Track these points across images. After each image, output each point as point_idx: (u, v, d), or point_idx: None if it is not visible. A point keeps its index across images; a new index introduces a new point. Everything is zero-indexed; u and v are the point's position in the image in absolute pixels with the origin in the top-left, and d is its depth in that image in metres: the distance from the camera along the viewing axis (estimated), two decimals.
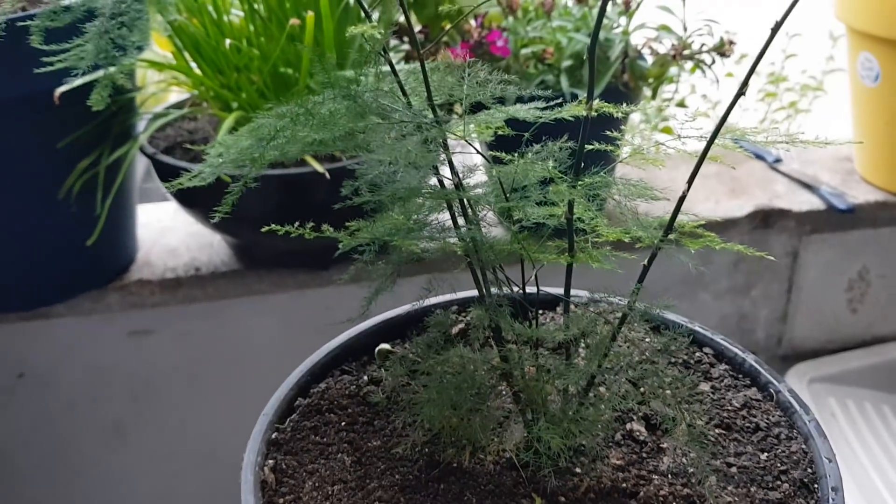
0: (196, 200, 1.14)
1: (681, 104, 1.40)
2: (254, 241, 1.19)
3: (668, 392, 0.55)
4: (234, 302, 1.25)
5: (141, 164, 1.25)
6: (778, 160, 1.46)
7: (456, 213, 0.50)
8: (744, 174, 1.43)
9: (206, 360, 1.28)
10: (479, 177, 0.54)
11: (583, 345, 0.56)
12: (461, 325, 0.63)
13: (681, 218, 0.53)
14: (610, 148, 0.51)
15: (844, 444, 1.35)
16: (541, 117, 0.51)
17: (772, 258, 0.56)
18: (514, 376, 0.51)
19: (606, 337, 0.49)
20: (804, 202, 1.35)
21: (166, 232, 1.32)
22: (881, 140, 1.35)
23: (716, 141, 0.50)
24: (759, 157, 1.47)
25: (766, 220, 1.34)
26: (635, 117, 1.55)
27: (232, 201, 0.49)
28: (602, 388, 0.54)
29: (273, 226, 0.56)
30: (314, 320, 1.24)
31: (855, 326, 1.49)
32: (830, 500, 0.46)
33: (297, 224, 1.17)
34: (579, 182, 0.46)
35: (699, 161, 0.49)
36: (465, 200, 0.50)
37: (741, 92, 0.47)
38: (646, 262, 0.48)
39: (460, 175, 0.50)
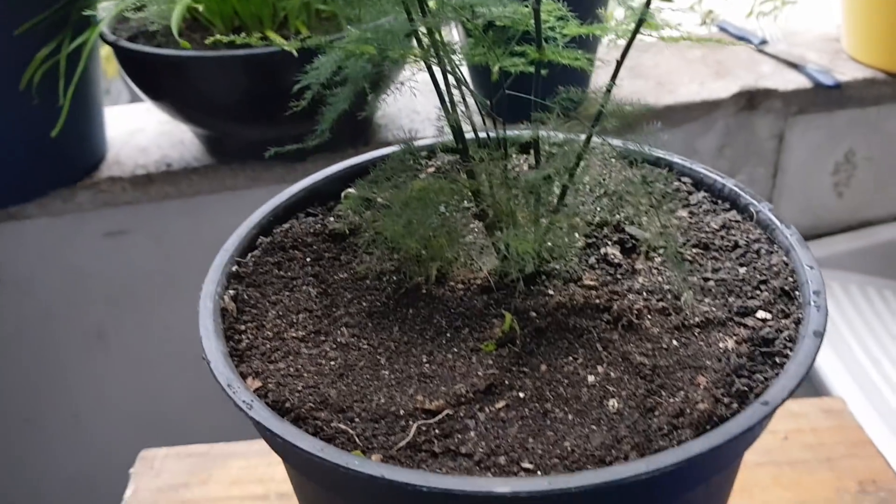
0: (163, 91, 1.10)
1: None
2: (224, 131, 1.16)
3: (644, 213, 0.53)
4: (208, 199, 1.22)
5: None
6: (764, 42, 1.42)
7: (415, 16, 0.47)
8: (729, 57, 1.40)
9: (183, 259, 1.25)
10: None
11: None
12: (431, 169, 0.61)
13: None
14: None
15: (831, 326, 1.35)
16: None
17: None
18: (482, 193, 0.48)
19: (577, 146, 0.46)
20: (790, 81, 1.32)
21: (136, 132, 1.29)
22: (869, 15, 1.31)
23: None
24: (745, 39, 1.43)
25: (751, 100, 1.31)
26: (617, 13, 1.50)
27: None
28: (576, 217, 0.52)
29: (222, 38, 0.52)
30: None
31: (841, 210, 1.47)
32: (812, 303, 0.45)
33: (268, 114, 1.14)
34: None
35: None
36: None
37: None
38: (619, 57, 0.45)
39: None
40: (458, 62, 0.46)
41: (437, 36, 0.44)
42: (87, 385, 1.32)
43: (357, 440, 0.41)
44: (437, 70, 0.47)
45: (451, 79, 0.46)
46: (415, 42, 0.45)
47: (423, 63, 0.47)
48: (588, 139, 0.45)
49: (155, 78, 1.08)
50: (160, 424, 1.34)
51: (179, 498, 0.72)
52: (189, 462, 0.76)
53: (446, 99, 0.47)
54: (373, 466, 0.37)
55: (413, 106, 1.29)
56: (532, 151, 0.60)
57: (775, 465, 0.71)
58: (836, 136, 1.40)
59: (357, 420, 0.42)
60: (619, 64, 0.44)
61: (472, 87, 0.50)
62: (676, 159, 0.58)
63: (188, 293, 1.24)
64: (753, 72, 1.35)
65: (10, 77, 1.02)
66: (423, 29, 0.46)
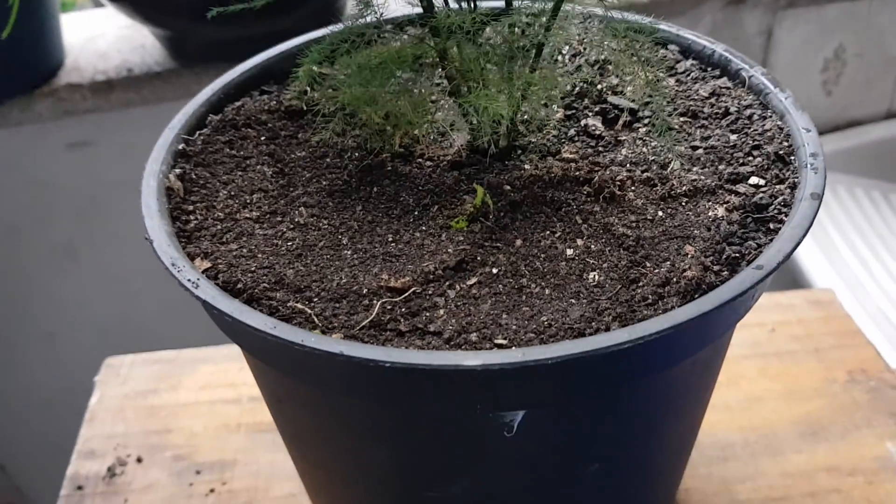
0: None
1: None
2: (186, 30, 1.09)
3: (629, 81, 0.49)
4: (173, 106, 1.15)
5: None
6: None
7: None
8: None
9: None
10: None
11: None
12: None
13: None
14: None
15: (818, 226, 1.32)
16: None
17: None
18: (449, 55, 0.44)
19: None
20: None
21: (95, 38, 1.22)
22: None
23: None
24: None
25: None
26: None
27: None
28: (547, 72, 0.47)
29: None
30: None
31: (829, 109, 1.43)
32: (809, 166, 0.41)
33: (231, 11, 1.07)
34: None
35: None
36: None
37: None
38: None
39: None
40: None
41: None
42: (58, 300, 1.29)
43: (316, 320, 0.37)
44: None
45: None
46: None
47: None
48: None
49: None
50: (133, 337, 1.31)
51: (148, 404, 0.70)
52: (156, 368, 0.73)
53: None
54: (330, 343, 0.33)
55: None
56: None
57: (762, 357, 0.69)
58: (825, 32, 1.35)
59: (316, 300, 0.39)
60: None
61: None
62: (662, 26, 0.54)
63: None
64: None
65: None
66: None
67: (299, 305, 0.38)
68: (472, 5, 0.44)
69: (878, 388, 0.65)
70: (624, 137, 0.48)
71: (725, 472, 0.58)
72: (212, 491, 0.62)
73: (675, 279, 0.37)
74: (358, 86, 0.42)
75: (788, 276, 1.27)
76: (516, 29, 0.43)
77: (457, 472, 0.40)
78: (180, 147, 0.46)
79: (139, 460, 0.65)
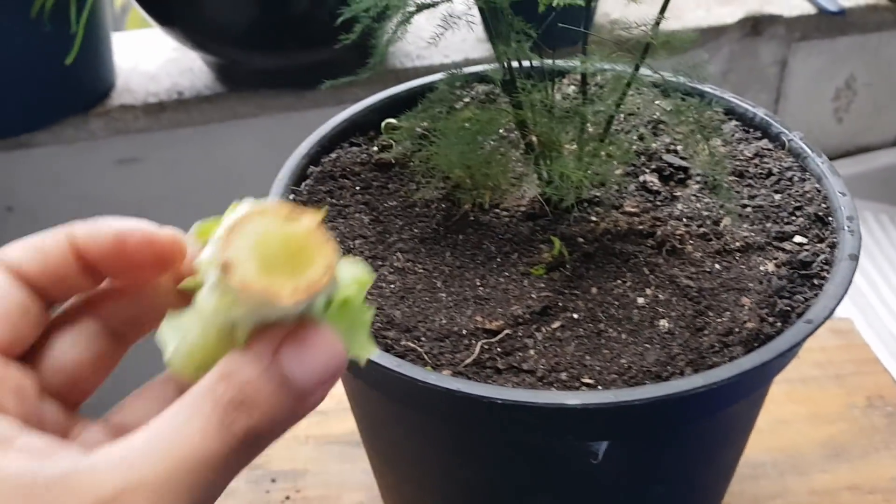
0: (173, 16, 1.10)
1: None
2: (235, 59, 1.16)
3: (684, 141, 0.55)
4: (219, 127, 1.23)
5: None
6: None
7: None
8: None
9: (194, 187, 1.27)
10: None
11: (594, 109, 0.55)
12: (467, 100, 0.62)
13: None
14: None
15: None
16: None
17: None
18: (528, 123, 0.50)
19: (622, 79, 0.48)
20: (795, 7, 1.32)
21: (144, 60, 1.28)
22: None
23: None
24: None
25: (756, 26, 1.32)
26: None
27: None
28: (616, 141, 0.54)
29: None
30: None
31: (840, 136, 1.50)
32: (846, 228, 0.47)
33: (279, 41, 1.14)
34: None
35: None
36: None
37: None
38: None
39: None
40: None
41: None
42: None
43: (426, 357, 0.43)
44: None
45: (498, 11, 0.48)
46: None
47: None
48: (636, 69, 0.47)
49: (166, 4, 1.08)
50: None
51: None
52: None
53: (494, 31, 0.48)
54: (449, 381, 0.39)
55: (418, 32, 1.29)
56: (561, 79, 0.61)
57: (788, 382, 0.75)
58: (838, 62, 1.41)
59: (423, 339, 0.45)
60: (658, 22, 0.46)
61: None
62: (707, 88, 0.60)
63: (198, 219, 1.26)
64: None
65: (22, 3, 1.01)
66: None
67: (410, 344, 0.44)
68: (549, 81, 0.50)
69: (894, 414, 0.71)
70: (679, 193, 0.54)
71: (757, 490, 0.65)
72: (287, 498, 0.68)
73: (736, 329, 0.43)
74: (454, 151, 0.48)
75: None
76: (588, 104, 0.49)
77: (541, 490, 0.46)
78: (290, 198, 0.52)
79: None
